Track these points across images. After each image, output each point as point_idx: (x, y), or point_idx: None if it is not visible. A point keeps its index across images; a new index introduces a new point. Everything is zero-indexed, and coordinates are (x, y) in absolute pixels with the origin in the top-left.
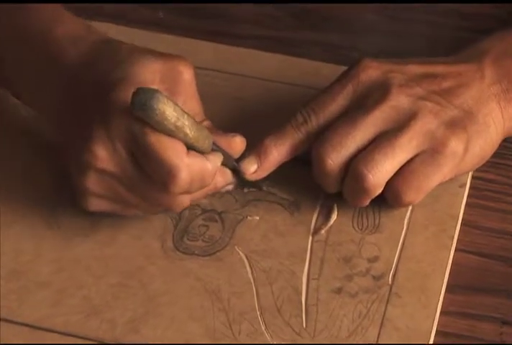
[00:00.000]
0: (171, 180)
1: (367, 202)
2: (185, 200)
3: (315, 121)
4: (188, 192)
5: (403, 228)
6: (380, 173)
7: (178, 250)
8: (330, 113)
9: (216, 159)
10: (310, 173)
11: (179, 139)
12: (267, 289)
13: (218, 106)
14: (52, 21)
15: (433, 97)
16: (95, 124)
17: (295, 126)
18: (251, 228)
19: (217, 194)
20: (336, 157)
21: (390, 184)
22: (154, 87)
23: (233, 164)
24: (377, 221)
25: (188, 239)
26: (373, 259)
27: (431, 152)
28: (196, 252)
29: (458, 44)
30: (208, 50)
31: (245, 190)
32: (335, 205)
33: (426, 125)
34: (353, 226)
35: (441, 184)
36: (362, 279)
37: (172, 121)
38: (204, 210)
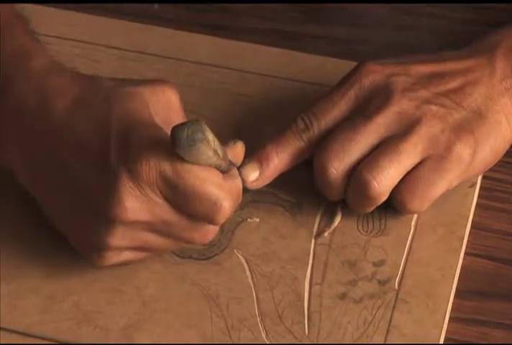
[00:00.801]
0: (217, 212)
1: (372, 209)
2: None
3: (316, 128)
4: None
5: (410, 230)
6: (385, 180)
7: (174, 254)
8: (332, 119)
9: (237, 173)
10: (312, 174)
11: (212, 164)
12: (267, 294)
13: (217, 102)
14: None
15: (439, 99)
16: (116, 175)
17: (296, 132)
18: (251, 230)
19: None
20: (338, 166)
21: (394, 192)
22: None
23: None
24: (383, 223)
25: None
26: (379, 263)
27: (437, 158)
28: (193, 256)
29: (468, 38)
30: (206, 44)
31: None
32: (339, 206)
33: (430, 130)
34: (358, 229)
35: None
36: (367, 284)
37: (213, 145)
38: None
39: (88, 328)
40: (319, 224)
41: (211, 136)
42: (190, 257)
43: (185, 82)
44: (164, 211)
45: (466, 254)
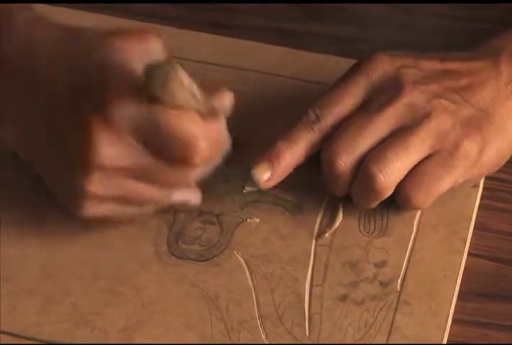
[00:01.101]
0: (192, 152)
1: (375, 204)
2: (199, 172)
3: (328, 119)
4: (207, 162)
5: (412, 231)
6: (391, 173)
7: (173, 254)
8: (343, 110)
9: (222, 118)
10: (316, 173)
11: (190, 107)
12: (267, 296)
13: None
14: None
15: (449, 95)
16: (89, 121)
17: (307, 125)
18: (251, 231)
19: (214, 195)
20: (346, 159)
21: (399, 186)
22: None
23: None
24: (384, 224)
25: (183, 243)
26: (381, 264)
27: (444, 154)
28: (192, 257)
29: (470, 37)
30: (206, 42)
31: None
32: (340, 206)
33: (440, 124)
34: (359, 229)
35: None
36: (369, 286)
37: (189, 87)
38: (201, 212)
39: (85, 330)
40: (320, 225)
41: (186, 78)
42: (189, 258)
43: None
44: (141, 156)
45: (469, 254)
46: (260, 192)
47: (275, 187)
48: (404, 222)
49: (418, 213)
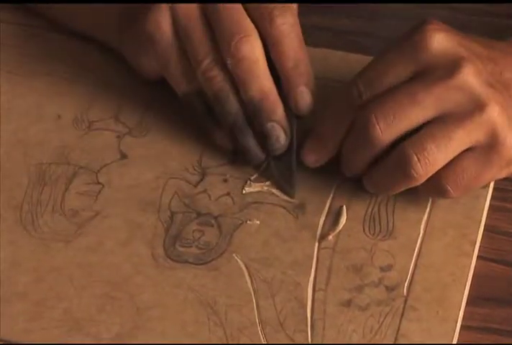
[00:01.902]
0: None
1: (400, 190)
2: None
3: (370, 95)
4: None
5: (419, 233)
6: (429, 165)
7: (170, 258)
8: (389, 85)
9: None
10: (320, 172)
11: None
12: (268, 301)
13: None
14: None
15: (499, 86)
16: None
17: (350, 101)
18: (251, 233)
19: (212, 196)
20: (385, 128)
21: (436, 177)
22: None
23: None
24: (390, 226)
25: (180, 246)
26: (386, 268)
27: (487, 149)
28: (190, 260)
29: (480, 30)
30: None
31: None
32: (344, 207)
33: (491, 118)
34: (364, 232)
35: None
36: (374, 291)
37: None
38: (199, 214)
39: (78, 337)
40: (323, 227)
41: None
42: (186, 262)
43: None
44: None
45: (478, 258)
46: (260, 192)
47: (276, 187)
48: (411, 224)
49: (426, 214)
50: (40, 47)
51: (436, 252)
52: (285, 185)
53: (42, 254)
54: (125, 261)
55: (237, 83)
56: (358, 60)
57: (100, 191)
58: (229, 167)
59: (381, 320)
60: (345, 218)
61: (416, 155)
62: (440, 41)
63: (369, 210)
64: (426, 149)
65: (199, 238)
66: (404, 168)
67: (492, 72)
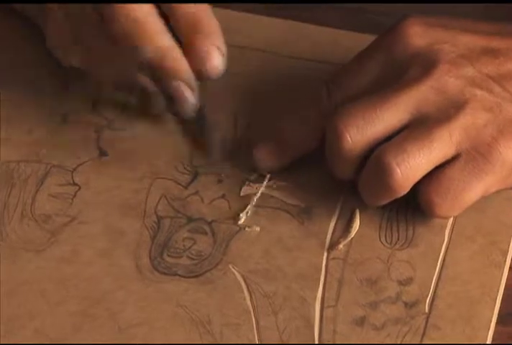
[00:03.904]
0: None
1: (386, 202)
2: None
3: (340, 95)
4: None
5: (443, 240)
6: (410, 170)
7: (157, 270)
8: (359, 86)
9: None
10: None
11: None
12: (270, 319)
13: (212, 84)
14: None
15: (487, 83)
16: None
17: (316, 101)
18: (249, 241)
19: (205, 199)
20: (355, 135)
21: (422, 190)
22: None
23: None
24: (410, 233)
25: (169, 256)
26: (405, 282)
27: (474, 156)
28: (179, 272)
29: None
30: None
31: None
32: (357, 211)
33: (472, 119)
34: (380, 240)
35: None
36: (391, 307)
37: None
38: (190, 220)
39: None
40: (333, 234)
41: None
42: (176, 274)
43: None
44: None
45: (510, 269)
46: (261, 194)
47: (279, 188)
48: (433, 231)
49: (451, 219)
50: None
51: (462, 263)
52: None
53: (10, 266)
54: (105, 273)
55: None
56: (367, 41)
57: (76, 193)
58: (225, 166)
59: (399, 340)
60: (358, 223)
61: (395, 160)
62: (416, 37)
63: (386, 214)
64: (406, 150)
65: (190, 247)
66: (383, 177)
67: (484, 67)
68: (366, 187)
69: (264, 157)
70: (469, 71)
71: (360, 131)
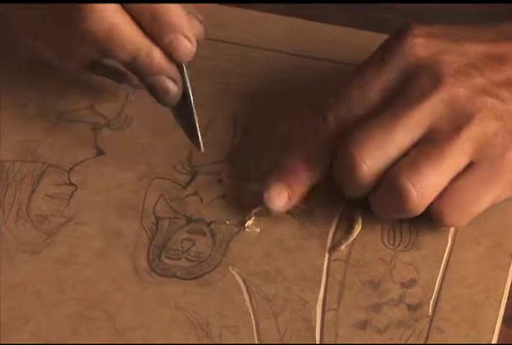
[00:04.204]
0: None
1: (402, 217)
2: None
3: (348, 120)
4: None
5: (447, 242)
6: (426, 189)
7: (155, 271)
8: (366, 103)
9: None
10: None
11: None
12: (270, 322)
13: (209, 84)
14: None
15: (496, 90)
16: None
17: (325, 127)
18: (249, 243)
19: (204, 199)
20: (372, 164)
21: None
22: None
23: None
24: (413, 234)
25: (167, 257)
26: (408, 284)
27: (485, 165)
28: (178, 274)
29: None
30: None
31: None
32: (359, 212)
33: (482, 129)
34: (382, 241)
35: None
36: (394, 310)
37: None
38: (189, 220)
39: None
40: (334, 235)
41: None
42: (174, 276)
43: None
44: None
45: None
46: (261, 195)
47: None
48: (437, 232)
49: None
50: None
51: (466, 265)
52: (192, 138)
53: (6, 267)
54: (102, 275)
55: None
56: (376, 39)
57: (72, 193)
58: (224, 165)
59: (402, 343)
60: (360, 224)
61: (410, 180)
62: (416, 52)
63: None
64: (420, 171)
65: (189, 248)
66: (400, 199)
67: (493, 74)
68: (380, 206)
69: (277, 199)
70: (477, 80)
71: (377, 160)
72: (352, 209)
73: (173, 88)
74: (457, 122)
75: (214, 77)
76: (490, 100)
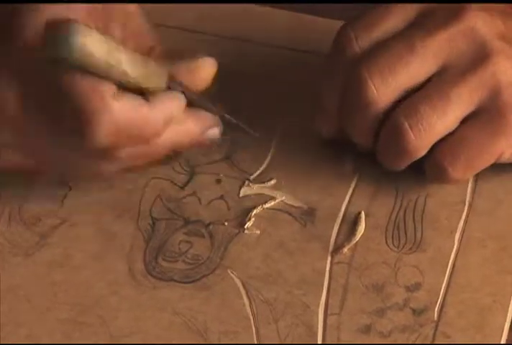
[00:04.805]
0: (88, 128)
1: (404, 166)
2: (120, 157)
3: (364, 44)
4: (120, 146)
5: (453, 245)
6: (424, 132)
7: (151, 274)
8: (386, 31)
9: (165, 100)
10: (332, 170)
11: (115, 79)
12: (271, 327)
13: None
14: None
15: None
16: None
17: (340, 54)
18: (249, 245)
19: (203, 200)
20: (381, 86)
21: (431, 150)
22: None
23: (207, 104)
24: (418, 236)
25: (164, 260)
26: (413, 288)
27: (493, 115)
28: (175, 278)
29: None
30: (192, 6)
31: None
32: (363, 214)
33: (497, 74)
34: (386, 243)
35: (503, 185)
36: (399, 314)
37: (101, 56)
38: (187, 222)
39: None
40: (337, 237)
41: (91, 39)
42: (171, 280)
43: None
44: (33, 112)
45: None
46: (261, 195)
47: (280, 189)
48: (443, 234)
49: (461, 222)
50: None
51: (472, 268)
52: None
53: None
54: (97, 278)
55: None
56: None
57: (66, 194)
58: (223, 165)
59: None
60: (363, 226)
61: (407, 121)
62: None
63: (393, 216)
64: (420, 111)
65: (187, 250)
66: (396, 137)
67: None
68: (383, 149)
69: (318, 128)
70: (499, 23)
71: (385, 82)
72: (356, 210)
73: (218, 132)
74: (473, 61)
75: None
76: (508, 49)
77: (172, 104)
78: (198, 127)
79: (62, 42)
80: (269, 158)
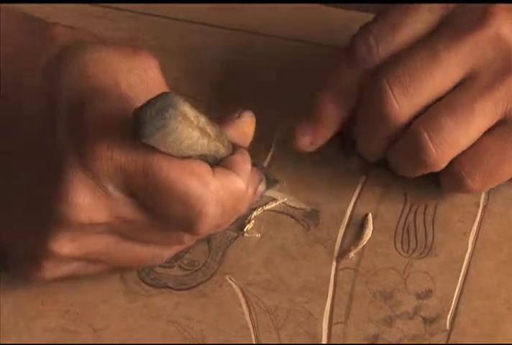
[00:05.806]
0: (196, 219)
1: (420, 174)
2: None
3: (383, 50)
4: (222, 225)
5: (466, 249)
6: (446, 145)
7: (144, 281)
8: (405, 39)
9: (244, 168)
10: (336, 170)
11: (200, 150)
12: (272, 336)
13: (213, 74)
14: None
15: None
16: (61, 163)
17: (356, 62)
18: (249, 249)
19: None
20: (403, 99)
21: (453, 160)
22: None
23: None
24: (429, 239)
25: (159, 266)
26: (424, 295)
27: None
28: (170, 284)
29: None
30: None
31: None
32: (370, 216)
33: None
34: (395, 247)
35: None
36: (408, 323)
37: (196, 123)
38: None
39: None
40: (342, 241)
41: (190, 110)
42: (166, 286)
43: (167, 46)
44: (126, 210)
45: None
46: (261, 197)
47: (282, 190)
48: (455, 237)
49: (475, 224)
50: None
51: (487, 274)
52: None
53: None
54: (87, 285)
55: None
56: None
57: None
58: None
59: None
60: (371, 230)
61: (428, 133)
62: None
63: (402, 219)
64: (441, 125)
65: (182, 256)
66: (415, 150)
67: None
68: (399, 159)
69: (302, 138)
70: None
71: (408, 95)
72: (363, 212)
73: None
74: (499, 68)
75: (214, 66)
76: None
77: (253, 171)
78: (253, 188)
79: (169, 116)
80: (269, 157)
